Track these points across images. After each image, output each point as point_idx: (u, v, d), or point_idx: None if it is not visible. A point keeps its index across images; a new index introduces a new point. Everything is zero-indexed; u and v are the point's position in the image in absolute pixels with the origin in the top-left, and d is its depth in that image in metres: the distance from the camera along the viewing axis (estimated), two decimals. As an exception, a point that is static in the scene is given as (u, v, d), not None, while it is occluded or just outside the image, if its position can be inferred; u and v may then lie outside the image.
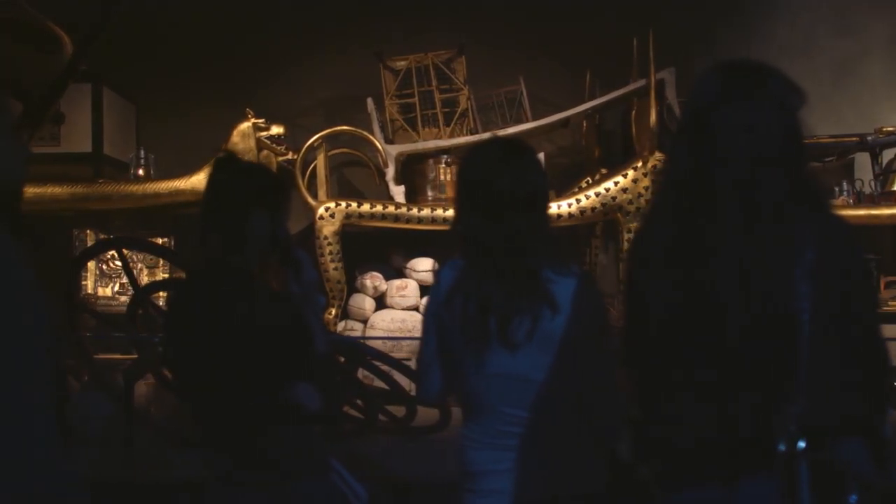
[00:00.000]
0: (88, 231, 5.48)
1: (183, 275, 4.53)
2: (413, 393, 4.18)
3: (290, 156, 5.38)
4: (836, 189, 5.24)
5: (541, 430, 1.80)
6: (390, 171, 5.28)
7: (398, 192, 5.30)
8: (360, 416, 3.95)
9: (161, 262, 5.42)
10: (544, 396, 1.79)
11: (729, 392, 1.52)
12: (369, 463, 3.54)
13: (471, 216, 1.84)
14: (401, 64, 5.50)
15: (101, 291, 5.53)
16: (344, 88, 6.05)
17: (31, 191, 4.79)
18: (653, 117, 4.90)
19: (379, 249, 5.58)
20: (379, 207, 5.11)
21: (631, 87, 5.23)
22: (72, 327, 4.21)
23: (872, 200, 5.24)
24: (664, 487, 1.65)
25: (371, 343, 4.64)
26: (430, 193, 5.33)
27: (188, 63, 5.98)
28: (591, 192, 5.05)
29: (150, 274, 5.41)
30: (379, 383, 4.13)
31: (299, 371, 2.04)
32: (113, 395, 4.16)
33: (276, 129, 5.27)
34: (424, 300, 5.28)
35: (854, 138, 5.31)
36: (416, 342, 4.97)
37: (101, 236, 5.39)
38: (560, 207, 4.96)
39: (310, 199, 5.14)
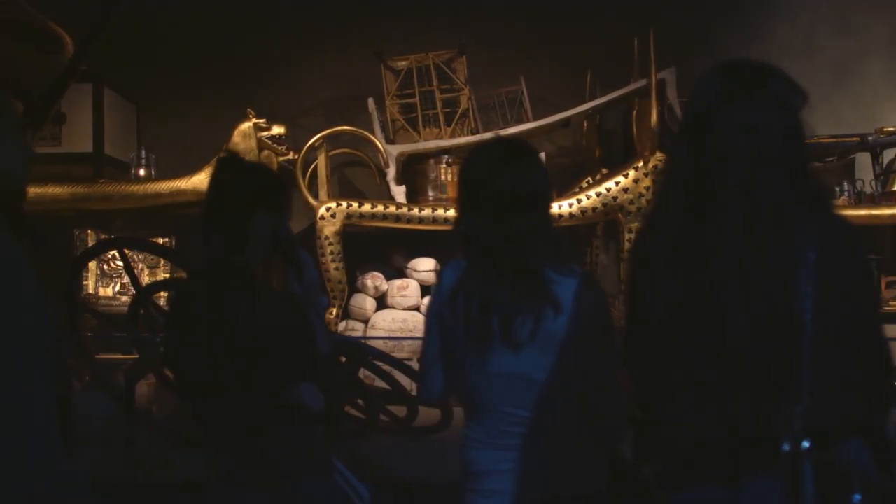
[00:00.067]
0: (89, 231, 5.48)
1: (184, 275, 4.53)
2: (414, 393, 4.19)
3: (291, 156, 5.38)
4: (837, 189, 5.23)
5: (543, 431, 1.80)
6: (391, 171, 5.28)
7: (399, 193, 5.30)
8: (362, 416, 3.95)
9: (162, 262, 5.42)
10: (546, 396, 1.79)
11: (731, 392, 1.52)
12: (370, 463, 3.54)
13: (473, 216, 1.84)
14: (402, 64, 5.50)
15: (101, 291, 5.53)
16: (345, 88, 6.05)
17: (32, 191, 4.78)
18: (654, 117, 4.90)
19: (380, 249, 5.58)
20: (380, 207, 5.12)
21: (632, 87, 5.22)
22: (73, 327, 4.21)
23: (873, 200, 5.25)
24: (666, 487, 1.65)
25: (372, 343, 4.64)
26: (430, 193, 5.33)
27: (189, 63, 5.98)
28: (592, 192, 5.05)
29: (152, 274, 5.41)
30: (380, 383, 4.13)
31: (301, 371, 2.04)
32: (114, 395, 4.16)
33: (278, 129, 5.27)
34: (425, 300, 5.30)
35: (855, 138, 5.31)
36: (418, 342, 4.98)
37: (102, 236, 5.40)
38: (561, 207, 4.97)
39: (311, 199, 5.15)
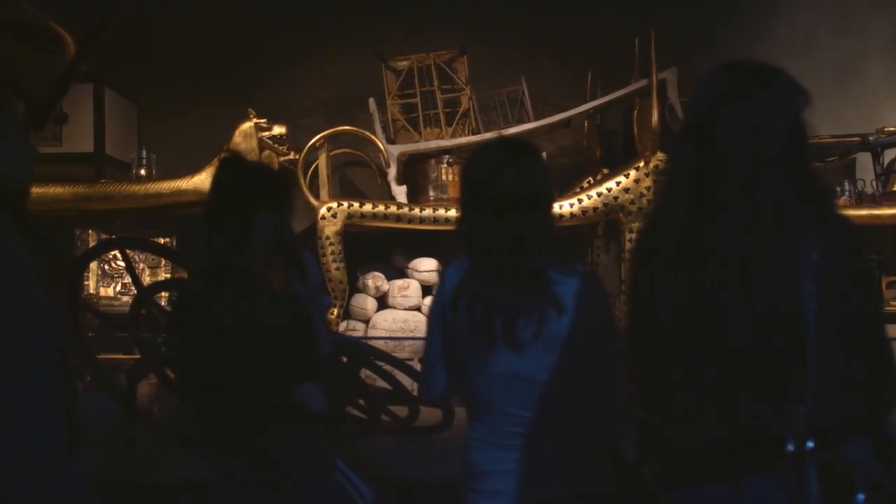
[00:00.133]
0: (90, 231, 5.48)
1: (185, 275, 4.53)
2: (415, 393, 4.18)
3: (291, 156, 5.38)
4: (838, 189, 5.23)
5: (545, 431, 1.80)
6: (392, 171, 5.28)
7: (400, 193, 5.30)
8: (363, 417, 3.95)
9: (163, 262, 5.42)
10: (549, 397, 1.79)
11: (733, 392, 1.52)
12: (372, 463, 3.53)
13: (475, 216, 1.85)
14: (402, 64, 5.50)
15: (103, 291, 5.53)
16: (345, 88, 6.05)
17: (33, 191, 4.77)
18: (655, 117, 4.90)
19: (381, 249, 5.58)
20: (381, 207, 5.12)
21: (632, 87, 5.23)
22: (74, 327, 4.20)
23: (874, 200, 5.25)
24: (667, 487, 1.65)
25: (373, 343, 4.64)
26: (431, 193, 5.33)
27: (189, 63, 5.98)
28: (593, 192, 5.06)
29: (153, 274, 5.41)
30: (381, 383, 4.13)
31: (303, 371, 2.04)
32: (115, 395, 4.16)
33: (278, 129, 5.27)
34: (426, 300, 5.30)
35: (855, 138, 5.30)
36: (419, 342, 5.00)
37: (103, 236, 5.39)
38: (562, 207, 4.96)
39: (312, 200, 5.15)
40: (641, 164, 4.98)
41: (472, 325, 1.80)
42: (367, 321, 5.35)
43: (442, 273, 1.95)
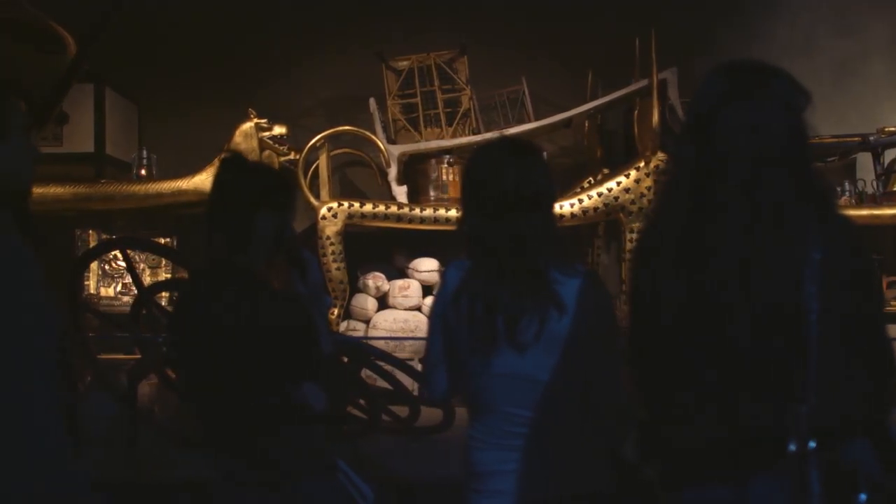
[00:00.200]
0: (91, 231, 5.48)
1: (186, 275, 4.53)
2: (416, 393, 4.18)
3: (292, 156, 5.38)
4: (839, 189, 5.23)
5: (546, 431, 1.80)
6: (393, 172, 5.28)
7: (400, 193, 5.30)
8: (364, 417, 3.95)
9: (164, 262, 5.42)
10: (550, 397, 1.79)
11: (734, 392, 1.52)
12: (372, 463, 3.53)
13: (477, 216, 1.85)
14: (403, 64, 5.50)
15: (103, 291, 5.53)
16: (346, 88, 6.05)
17: (33, 191, 4.78)
18: (655, 117, 4.90)
19: (381, 249, 5.58)
20: (381, 207, 5.12)
21: (633, 87, 5.23)
22: (75, 327, 4.20)
23: (874, 200, 5.25)
24: (669, 487, 1.65)
25: (374, 343, 4.64)
26: (432, 193, 5.33)
27: (189, 63, 5.98)
28: (594, 192, 5.06)
29: (153, 274, 5.41)
30: (382, 383, 4.13)
31: (304, 371, 2.04)
32: (116, 395, 4.16)
33: (279, 130, 5.27)
34: (427, 300, 5.30)
35: (856, 138, 5.31)
36: (419, 342, 4.99)
37: (104, 236, 5.39)
38: (562, 207, 4.96)
39: (312, 200, 5.15)
40: (642, 164, 4.99)
41: (474, 326, 1.80)
42: (367, 321, 5.34)
43: (443, 273, 1.95)
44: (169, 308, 4.43)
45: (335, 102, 6.17)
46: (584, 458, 1.82)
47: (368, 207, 5.11)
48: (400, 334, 5.16)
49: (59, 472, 1.43)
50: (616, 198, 5.00)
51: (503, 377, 1.80)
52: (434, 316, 1.93)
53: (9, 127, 1.52)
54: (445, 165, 5.31)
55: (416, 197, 5.34)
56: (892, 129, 5.30)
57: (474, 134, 5.35)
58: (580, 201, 5.04)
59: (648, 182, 4.94)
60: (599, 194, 5.03)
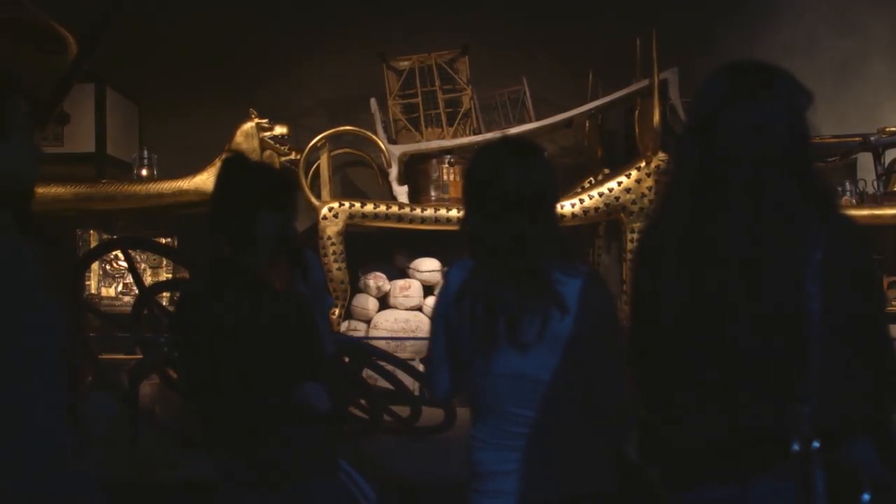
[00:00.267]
0: (92, 231, 5.48)
1: (187, 275, 4.53)
2: (417, 393, 4.18)
3: (293, 156, 5.38)
4: (839, 189, 5.23)
5: (548, 431, 1.81)
6: (393, 172, 5.28)
7: (401, 193, 5.29)
8: (365, 417, 3.95)
9: (164, 262, 5.42)
10: (552, 397, 1.79)
11: (736, 392, 1.52)
12: (373, 463, 3.54)
13: (479, 216, 1.85)
14: (404, 64, 5.50)
15: (104, 292, 5.54)
16: (346, 88, 6.05)
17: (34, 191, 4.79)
18: (656, 117, 4.90)
19: (382, 249, 5.58)
20: (382, 207, 5.11)
21: (634, 87, 5.22)
22: (76, 327, 4.20)
23: (875, 200, 5.25)
24: (672, 487, 1.65)
25: (375, 343, 4.64)
26: (433, 193, 5.33)
27: (190, 63, 5.98)
28: (595, 193, 5.05)
29: (154, 274, 5.41)
30: (383, 383, 4.13)
31: (307, 371, 2.04)
32: (117, 395, 4.16)
33: (280, 130, 5.26)
34: (428, 300, 5.30)
35: (857, 138, 5.30)
36: (420, 342, 4.99)
37: (105, 236, 5.40)
38: (563, 207, 4.95)
39: (313, 200, 5.14)
40: (643, 164, 4.98)
41: (476, 326, 1.80)
42: (368, 321, 5.34)
43: (446, 273, 1.95)
44: (170, 308, 4.44)
45: (336, 102, 6.17)
46: (586, 458, 1.82)
47: (369, 207, 5.11)
48: (401, 334, 5.16)
49: (62, 473, 1.43)
50: (617, 198, 5.00)
51: (505, 377, 1.80)
52: (437, 316, 1.93)
53: (10, 127, 1.52)
54: (446, 165, 5.31)
55: (416, 197, 5.34)
56: (893, 129, 5.30)
57: (475, 134, 5.35)
58: (581, 201, 5.04)
59: (649, 182, 4.94)
60: (600, 194, 5.03)
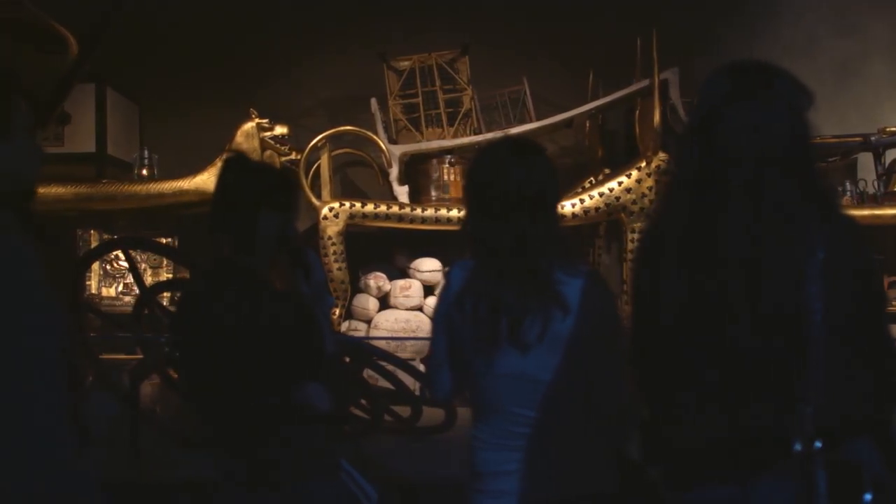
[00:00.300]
0: (92, 231, 5.48)
1: (188, 275, 4.53)
2: (418, 393, 4.18)
3: (293, 156, 5.39)
4: (840, 189, 5.24)
5: (550, 431, 1.80)
6: (394, 171, 5.29)
7: (402, 193, 5.30)
8: (366, 417, 3.95)
9: (165, 262, 5.43)
10: (553, 397, 1.79)
11: (738, 392, 1.52)
12: (374, 463, 3.54)
13: (480, 217, 1.85)
14: (404, 64, 5.50)
15: (104, 292, 5.54)
16: (347, 88, 6.05)
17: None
18: (657, 117, 4.90)
19: (382, 249, 5.58)
20: (383, 207, 5.12)
21: (634, 87, 5.22)
22: (76, 328, 4.20)
23: (875, 200, 5.25)
24: (674, 487, 1.65)
25: (375, 343, 4.64)
26: (433, 193, 5.33)
27: (190, 63, 5.98)
28: (595, 193, 5.05)
29: (154, 274, 5.41)
30: (384, 383, 4.13)
31: (308, 371, 2.04)
32: (118, 395, 4.16)
33: (280, 130, 5.27)
34: (428, 300, 5.30)
35: (857, 138, 5.31)
36: (421, 342, 4.98)
37: (105, 236, 5.40)
38: (563, 207, 4.96)
39: (314, 200, 5.15)
40: (643, 164, 4.99)
41: (478, 326, 1.80)
42: (368, 321, 5.34)
43: (447, 273, 1.95)
44: (171, 308, 4.44)
45: (336, 102, 6.18)
46: (587, 458, 1.82)
47: (370, 207, 5.11)
48: (401, 334, 5.16)
49: (62, 473, 1.43)
50: (617, 198, 5.00)
51: (507, 377, 1.80)
52: (438, 316, 1.93)
53: (12, 127, 1.52)
54: (447, 165, 5.31)
55: (417, 197, 5.34)
56: (893, 129, 5.31)
57: (476, 134, 5.36)
58: (581, 201, 5.04)
59: (650, 182, 4.94)
60: (601, 194, 5.03)
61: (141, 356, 4.37)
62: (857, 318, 1.50)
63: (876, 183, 5.35)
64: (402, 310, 5.34)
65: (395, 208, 5.12)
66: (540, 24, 5.93)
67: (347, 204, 5.10)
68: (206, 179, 5.06)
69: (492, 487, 1.84)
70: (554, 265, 1.80)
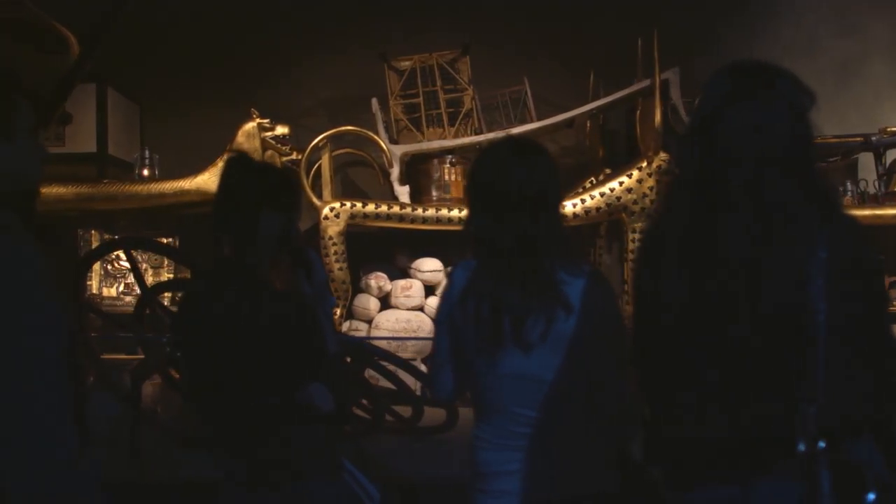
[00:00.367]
0: (93, 231, 5.49)
1: (189, 275, 4.53)
2: (419, 393, 4.18)
3: (294, 156, 5.39)
4: (841, 189, 5.24)
5: (552, 431, 1.81)
6: (395, 171, 5.29)
7: (403, 193, 5.30)
8: (367, 417, 3.95)
9: (166, 262, 5.43)
10: (556, 397, 1.79)
11: (741, 392, 1.52)
12: (375, 463, 3.54)
13: (483, 216, 1.85)
14: (405, 64, 5.50)
15: (105, 292, 5.54)
16: (348, 88, 6.06)
17: (36, 191, 4.78)
18: (657, 117, 4.90)
19: (383, 249, 5.58)
20: (384, 207, 5.12)
21: (635, 87, 5.23)
22: (78, 327, 4.21)
23: (876, 200, 5.25)
24: (675, 487, 1.65)
25: (376, 343, 4.64)
26: (434, 193, 5.33)
27: (190, 63, 5.99)
28: (596, 193, 5.06)
29: (155, 274, 5.42)
30: (385, 383, 4.13)
31: (310, 371, 2.04)
32: (119, 395, 4.17)
33: (281, 130, 5.27)
34: (429, 300, 5.30)
35: (858, 138, 5.31)
36: (422, 342, 4.98)
37: (106, 236, 5.40)
38: (564, 207, 4.96)
39: (315, 200, 5.15)
40: (644, 164, 4.99)
41: (480, 326, 1.80)
42: (369, 321, 5.34)
43: (450, 273, 1.95)
44: (172, 308, 4.44)
45: (337, 102, 6.18)
46: (588, 458, 1.82)
47: (371, 207, 5.11)
48: (402, 334, 5.16)
49: (63, 473, 1.43)
50: (618, 198, 5.00)
51: (509, 377, 1.80)
52: (441, 316, 1.93)
53: (14, 127, 1.52)
54: (448, 165, 5.32)
55: (418, 197, 5.34)
56: (894, 129, 5.31)
57: (476, 134, 5.36)
58: (582, 201, 5.04)
59: (651, 182, 4.94)
60: (602, 194, 5.03)
61: (142, 356, 4.37)
62: (858, 317, 1.50)
63: (876, 183, 5.35)
64: (403, 310, 5.34)
65: (396, 208, 5.12)
66: (541, 24, 5.93)
67: (348, 204, 5.10)
68: (207, 179, 5.06)
69: (494, 487, 1.84)
70: (556, 265, 1.80)
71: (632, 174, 5.01)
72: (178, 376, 4.12)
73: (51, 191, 5.04)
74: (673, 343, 1.60)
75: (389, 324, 5.25)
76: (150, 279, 5.24)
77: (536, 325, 1.76)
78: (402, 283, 5.41)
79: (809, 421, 1.44)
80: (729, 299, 1.52)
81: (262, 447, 1.98)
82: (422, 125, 5.41)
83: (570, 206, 5.00)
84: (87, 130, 5.65)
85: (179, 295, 4.62)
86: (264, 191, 2.03)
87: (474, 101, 5.45)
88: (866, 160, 5.50)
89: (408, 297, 5.35)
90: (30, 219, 1.55)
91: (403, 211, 5.11)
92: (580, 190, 5.22)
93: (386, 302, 5.42)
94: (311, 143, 5.21)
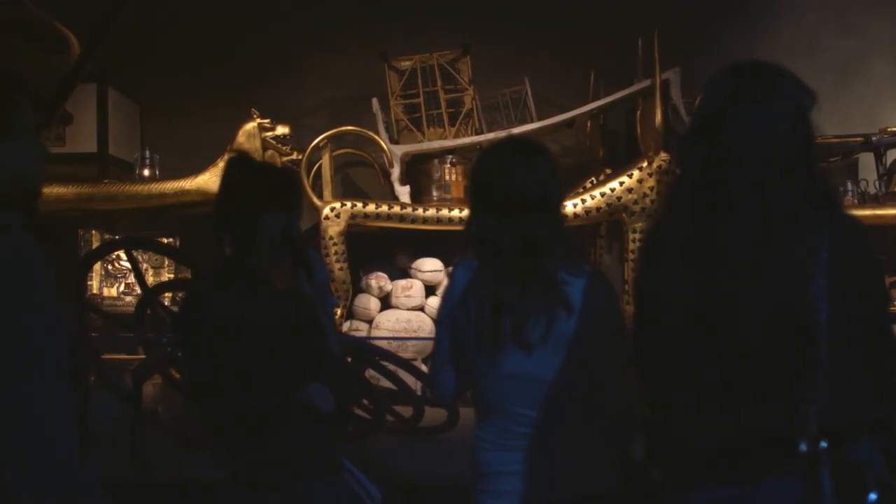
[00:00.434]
0: (94, 231, 5.49)
1: (189, 275, 4.54)
2: (420, 393, 4.18)
3: (294, 156, 5.39)
4: (841, 189, 5.24)
5: (553, 431, 1.80)
6: (395, 172, 5.29)
7: (403, 193, 5.30)
8: (368, 417, 3.95)
9: (166, 262, 5.43)
10: (557, 397, 1.79)
11: (742, 392, 1.52)
12: (376, 463, 3.54)
13: (484, 216, 1.84)
14: (406, 64, 5.50)
15: (106, 292, 5.54)
16: (348, 88, 6.06)
17: (37, 191, 4.78)
18: (658, 117, 4.91)
19: (384, 250, 5.58)
20: (384, 208, 5.12)
21: (636, 87, 5.23)
22: (79, 328, 4.21)
23: (877, 200, 5.25)
24: (676, 487, 1.65)
25: (377, 343, 4.64)
26: (435, 193, 5.34)
27: (191, 63, 5.99)
28: (596, 193, 5.06)
29: (156, 274, 5.42)
30: (386, 383, 4.13)
31: (311, 371, 2.04)
32: (120, 395, 4.17)
33: (282, 129, 5.27)
34: (430, 300, 5.30)
35: (858, 138, 5.32)
36: (422, 342, 4.98)
37: (107, 236, 5.40)
38: (565, 207, 4.96)
39: (315, 200, 5.15)
40: (645, 164, 4.99)
41: (482, 326, 1.80)
42: (370, 321, 5.35)
43: (451, 273, 1.95)
44: (173, 308, 4.44)
45: (337, 102, 6.18)
46: (590, 458, 1.81)
47: (371, 207, 5.11)
48: (403, 334, 5.17)
49: (67, 473, 1.43)
50: (619, 198, 5.00)
51: (510, 378, 1.80)
52: (442, 316, 1.93)
53: (16, 127, 1.52)
54: (448, 165, 5.32)
55: (418, 197, 5.35)
56: (894, 129, 5.31)
57: (477, 134, 5.36)
58: (583, 201, 5.04)
59: (651, 182, 4.94)
60: (602, 194, 5.04)
61: (143, 356, 4.38)
62: (859, 317, 1.50)
63: (877, 183, 5.36)
64: (403, 310, 5.34)
65: (397, 208, 5.13)
66: (541, 24, 5.94)
67: (349, 204, 5.11)
68: (207, 179, 5.07)
69: (495, 488, 1.84)
70: (557, 265, 1.80)
71: (632, 174, 5.01)
72: (178, 376, 4.12)
73: (51, 191, 5.04)
74: (674, 343, 1.60)
75: (390, 324, 5.25)
76: (150, 279, 5.24)
77: (537, 326, 1.76)
78: (402, 283, 5.41)
79: (811, 421, 1.44)
80: (730, 299, 1.52)
81: (262, 447, 1.98)
82: (422, 125, 5.41)
83: (571, 206, 5.00)
84: (88, 130, 5.66)
85: (180, 295, 4.62)
86: (265, 191, 2.03)
87: (475, 101, 5.45)
88: (867, 160, 5.50)
89: (408, 297, 5.35)
90: (31, 219, 1.55)
91: (404, 211, 5.11)
92: (581, 190, 5.22)
93: (386, 302, 5.42)
94: (311, 143, 5.21)
